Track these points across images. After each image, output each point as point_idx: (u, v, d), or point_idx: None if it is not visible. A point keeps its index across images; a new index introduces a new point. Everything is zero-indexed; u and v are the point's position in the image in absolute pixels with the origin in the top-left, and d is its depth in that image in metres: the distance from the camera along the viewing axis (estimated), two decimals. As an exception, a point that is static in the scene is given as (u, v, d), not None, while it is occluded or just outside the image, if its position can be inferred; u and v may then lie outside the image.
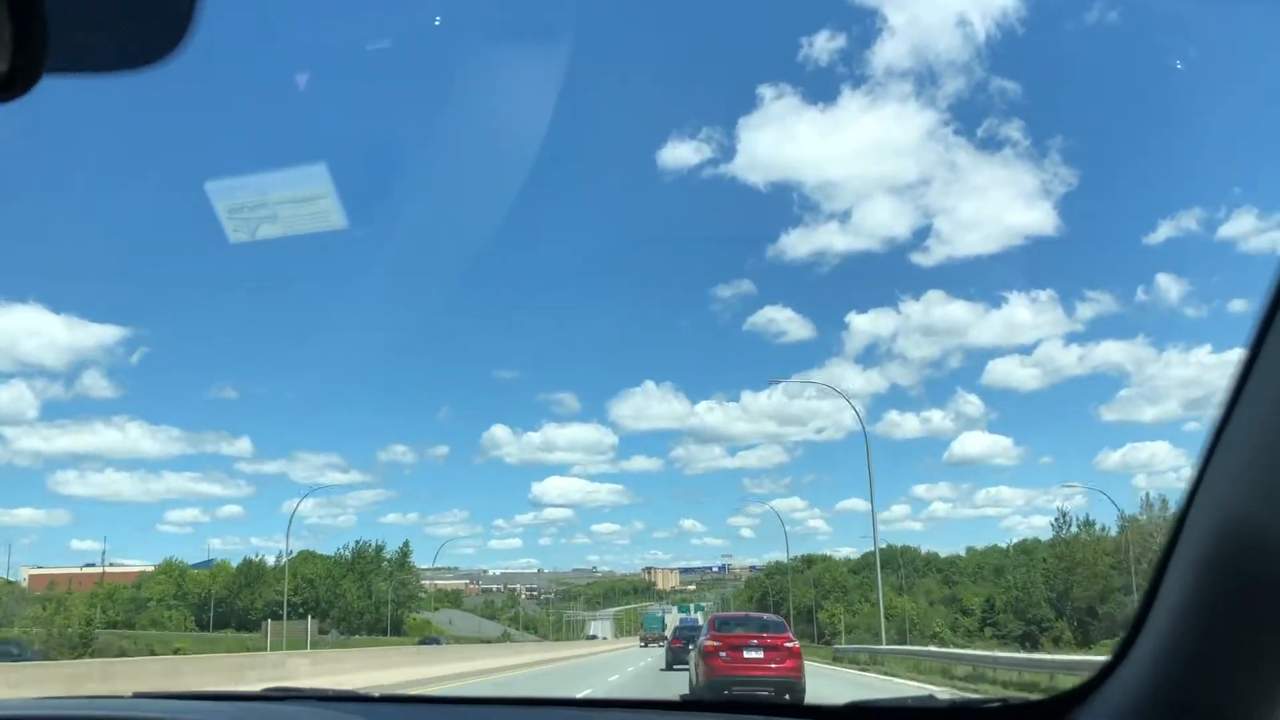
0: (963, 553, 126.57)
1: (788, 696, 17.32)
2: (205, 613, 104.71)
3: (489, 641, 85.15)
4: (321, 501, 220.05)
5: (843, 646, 69.39)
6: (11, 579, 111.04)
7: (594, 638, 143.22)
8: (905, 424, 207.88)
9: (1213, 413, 1.38)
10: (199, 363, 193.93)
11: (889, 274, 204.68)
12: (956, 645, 62.18)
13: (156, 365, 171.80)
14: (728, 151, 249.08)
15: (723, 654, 18.67)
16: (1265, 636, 1.34)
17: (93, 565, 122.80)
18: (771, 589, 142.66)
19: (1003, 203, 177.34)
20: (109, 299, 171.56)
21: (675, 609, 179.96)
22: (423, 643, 60.57)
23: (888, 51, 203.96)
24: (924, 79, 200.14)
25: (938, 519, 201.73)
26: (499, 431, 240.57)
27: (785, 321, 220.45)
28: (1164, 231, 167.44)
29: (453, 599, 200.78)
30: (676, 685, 22.31)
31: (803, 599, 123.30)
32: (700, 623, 34.81)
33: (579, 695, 6.60)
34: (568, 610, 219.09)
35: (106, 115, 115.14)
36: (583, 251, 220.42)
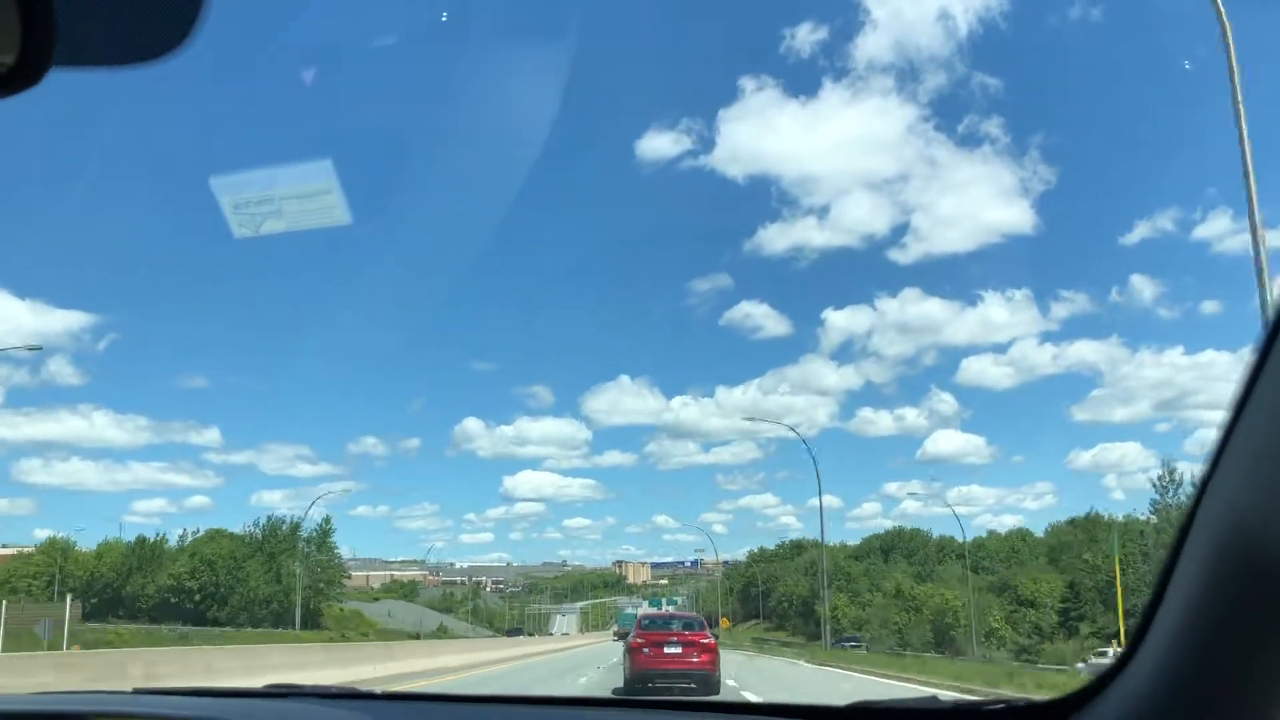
0: (982, 534, 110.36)
1: (703, 687, 19.35)
2: (89, 599, 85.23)
3: (415, 638, 70.75)
4: (290, 493, 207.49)
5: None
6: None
7: (552, 635, 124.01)
8: (879, 421, 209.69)
9: (1188, 413, 1.40)
10: (167, 351, 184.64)
11: (866, 271, 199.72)
12: (1022, 642, 45.15)
13: (124, 353, 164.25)
14: (707, 143, 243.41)
15: (646, 650, 20.24)
16: (1273, 638, 1.32)
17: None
18: (758, 577, 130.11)
19: (981, 200, 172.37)
20: (75, 285, 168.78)
21: (646, 603, 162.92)
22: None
23: (870, 45, 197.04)
24: (905, 74, 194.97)
25: (908, 516, 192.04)
26: (472, 424, 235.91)
27: (761, 317, 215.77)
28: (1140, 232, 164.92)
29: (407, 590, 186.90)
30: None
31: (795, 589, 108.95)
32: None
33: None
34: (529, 604, 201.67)
35: (99, 107, 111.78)
36: (560, 243, 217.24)
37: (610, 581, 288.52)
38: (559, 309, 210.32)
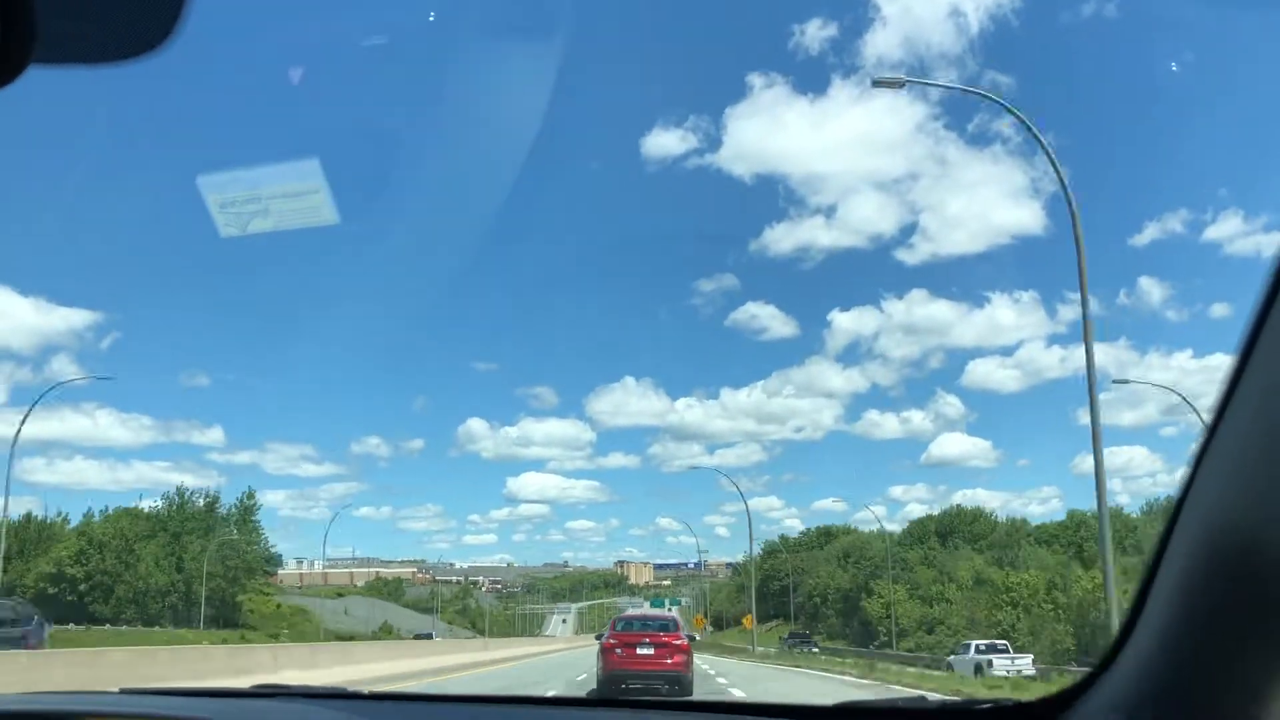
0: (1060, 516, 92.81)
1: (675, 688, 19.01)
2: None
3: (348, 639, 57.11)
4: (293, 493, 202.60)
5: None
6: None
7: (547, 636, 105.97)
8: (885, 424, 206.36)
9: (1194, 417, 1.43)
10: (171, 350, 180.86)
11: (873, 271, 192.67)
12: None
13: (127, 352, 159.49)
14: (713, 141, 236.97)
15: (618, 650, 19.81)
16: (1256, 638, 1.32)
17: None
18: (783, 569, 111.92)
19: (991, 200, 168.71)
20: (78, 283, 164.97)
21: (648, 603, 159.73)
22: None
23: (879, 42, 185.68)
24: (915, 71, 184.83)
25: (913, 520, 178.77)
26: (475, 425, 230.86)
27: (768, 318, 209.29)
28: (1150, 233, 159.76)
29: (392, 588, 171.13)
30: None
31: (831, 582, 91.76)
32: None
33: None
34: (521, 605, 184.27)
35: (90, 104, 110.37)
36: (565, 242, 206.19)
37: (612, 582, 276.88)
38: (563, 309, 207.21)
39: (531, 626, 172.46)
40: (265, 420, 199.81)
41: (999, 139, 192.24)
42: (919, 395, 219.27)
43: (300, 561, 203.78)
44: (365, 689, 2.97)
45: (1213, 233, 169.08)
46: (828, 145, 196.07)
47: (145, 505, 75.98)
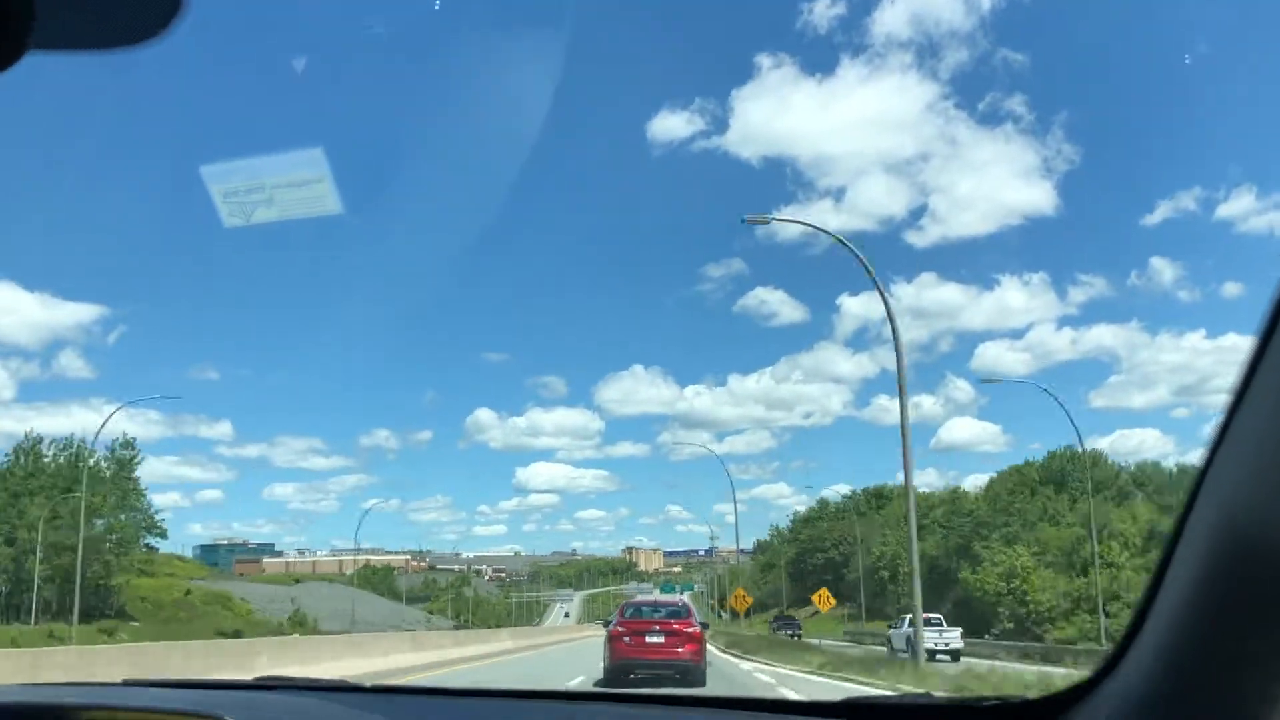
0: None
1: (687, 679, 17.41)
2: None
3: (227, 636, 45.50)
4: (303, 486, 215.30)
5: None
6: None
7: (542, 626, 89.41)
8: (894, 409, 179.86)
9: (1205, 399, 1.39)
10: (177, 344, 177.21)
11: (882, 255, 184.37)
12: None
13: (134, 345, 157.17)
14: (720, 124, 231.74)
15: (626, 639, 18.42)
16: (1267, 636, 1.28)
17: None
18: (818, 542, 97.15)
19: (1002, 180, 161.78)
20: (84, 278, 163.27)
21: (657, 590, 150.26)
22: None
23: (888, 19, 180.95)
24: (925, 49, 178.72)
25: (1000, 471, 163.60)
26: (484, 415, 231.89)
27: (777, 303, 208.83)
28: (1162, 212, 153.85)
29: (382, 576, 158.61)
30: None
31: (896, 554, 73.10)
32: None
33: None
34: (520, 593, 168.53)
35: (92, 95, 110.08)
36: (571, 229, 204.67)
37: (620, 569, 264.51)
38: (571, 297, 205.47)
39: (531, 616, 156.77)
40: (274, 413, 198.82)
41: (1010, 117, 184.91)
42: (929, 380, 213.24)
43: (302, 551, 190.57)
44: (367, 682, 2.93)
45: (1225, 210, 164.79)
46: (836, 126, 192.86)
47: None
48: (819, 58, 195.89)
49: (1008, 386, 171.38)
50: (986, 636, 48.91)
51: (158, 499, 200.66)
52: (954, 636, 37.91)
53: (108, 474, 58.00)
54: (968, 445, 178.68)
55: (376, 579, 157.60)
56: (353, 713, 2.27)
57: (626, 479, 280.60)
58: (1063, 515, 59.54)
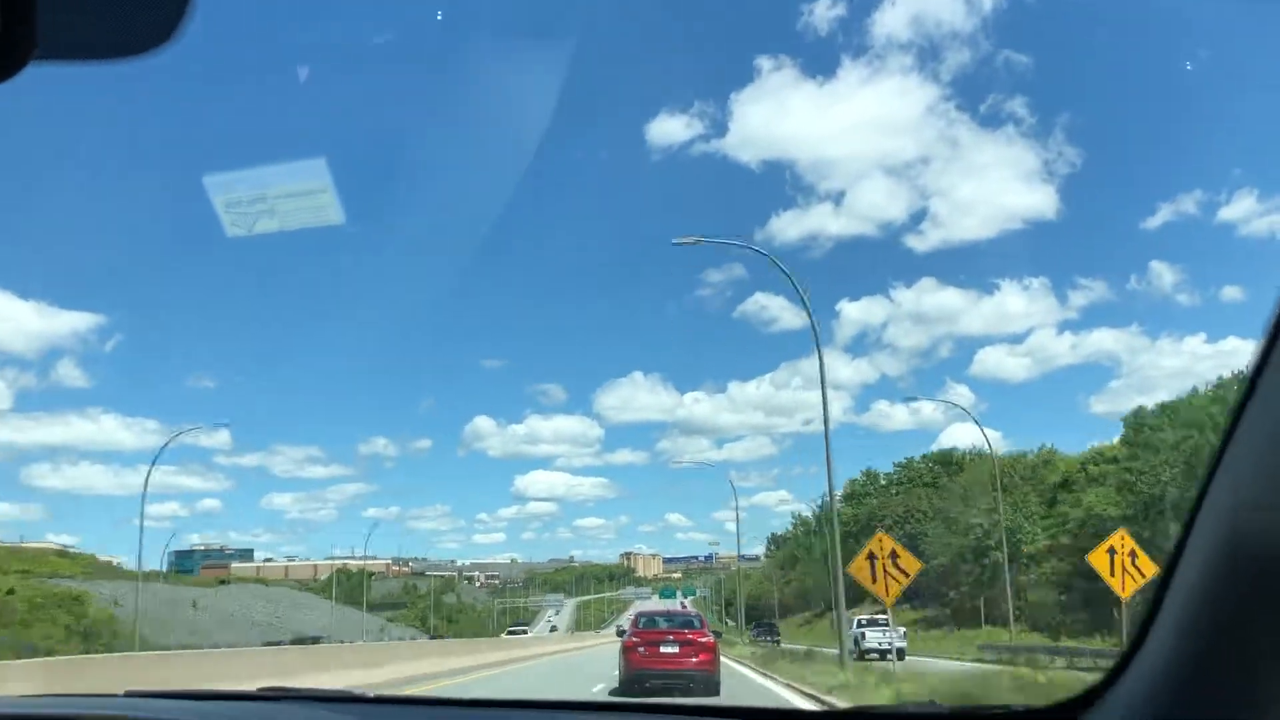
0: None
1: (702, 689, 17.11)
2: None
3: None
4: (301, 495, 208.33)
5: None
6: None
7: (521, 631, 75.86)
8: (894, 415, 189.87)
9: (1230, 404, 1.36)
10: (175, 352, 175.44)
11: (882, 259, 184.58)
12: None
13: (131, 354, 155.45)
14: (720, 127, 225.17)
15: (641, 649, 18.35)
16: (1275, 640, 1.27)
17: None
18: (864, 521, 75.67)
19: (1003, 184, 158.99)
20: (80, 286, 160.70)
21: (656, 595, 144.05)
22: None
23: (889, 20, 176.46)
24: (926, 51, 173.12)
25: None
26: (483, 423, 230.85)
27: (777, 309, 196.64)
28: (1163, 215, 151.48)
29: (354, 580, 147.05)
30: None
31: (1015, 524, 52.89)
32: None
33: None
34: (503, 600, 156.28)
35: (92, 102, 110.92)
36: (569, 235, 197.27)
37: (618, 575, 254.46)
38: (570, 303, 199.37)
39: (522, 622, 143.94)
40: (272, 422, 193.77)
41: (1012, 120, 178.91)
42: (928, 385, 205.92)
43: (290, 558, 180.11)
44: (371, 692, 2.89)
45: (1227, 214, 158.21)
46: (836, 129, 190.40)
47: None
48: (819, 60, 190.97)
49: (1007, 391, 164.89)
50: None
51: (156, 509, 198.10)
52: (897, 636, 36.95)
53: None
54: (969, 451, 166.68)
55: (352, 584, 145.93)
56: None
57: (626, 487, 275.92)
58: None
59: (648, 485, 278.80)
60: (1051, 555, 53.63)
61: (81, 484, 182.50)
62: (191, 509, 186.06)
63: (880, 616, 39.43)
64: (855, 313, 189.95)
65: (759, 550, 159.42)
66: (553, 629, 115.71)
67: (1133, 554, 20.22)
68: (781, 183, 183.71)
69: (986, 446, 50.05)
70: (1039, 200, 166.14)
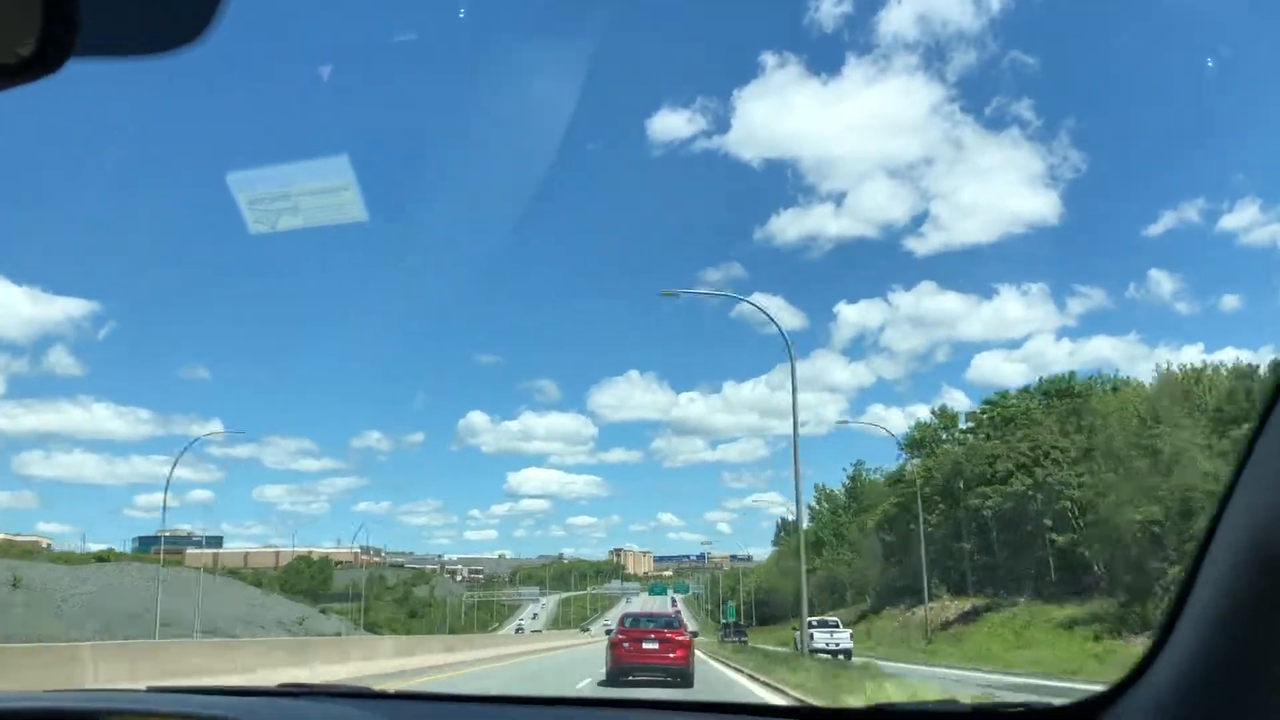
0: None
1: (679, 680, 19.53)
2: None
3: None
4: (293, 488, 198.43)
5: None
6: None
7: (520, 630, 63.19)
8: (890, 419, 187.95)
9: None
10: (168, 341, 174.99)
11: (882, 262, 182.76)
12: None
13: (124, 343, 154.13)
14: (722, 123, 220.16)
15: (626, 645, 20.32)
16: None
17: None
18: (947, 473, 57.59)
19: (1006, 187, 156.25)
20: (74, 272, 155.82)
21: (645, 592, 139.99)
22: None
23: (895, 19, 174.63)
24: (932, 50, 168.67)
25: None
26: (476, 418, 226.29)
27: (775, 310, 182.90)
28: (1165, 222, 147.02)
29: (319, 568, 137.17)
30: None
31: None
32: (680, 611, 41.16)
33: None
34: (473, 593, 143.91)
35: (102, 97, 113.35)
36: (571, 232, 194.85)
37: (606, 572, 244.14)
38: (568, 299, 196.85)
39: (497, 618, 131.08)
40: (265, 414, 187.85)
41: (1017, 122, 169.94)
42: (925, 389, 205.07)
43: (270, 545, 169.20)
44: (390, 688, 2.91)
45: (1229, 222, 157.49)
46: (840, 128, 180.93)
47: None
48: (825, 57, 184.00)
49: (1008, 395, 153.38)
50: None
51: (146, 499, 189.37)
52: (844, 638, 40.76)
53: None
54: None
55: (312, 573, 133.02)
56: (373, 718, 2.29)
57: (619, 485, 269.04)
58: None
59: (641, 484, 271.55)
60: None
61: (74, 472, 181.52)
62: (183, 500, 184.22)
63: (830, 619, 44.75)
64: (853, 315, 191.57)
65: (752, 550, 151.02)
66: (519, 629, 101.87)
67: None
68: (783, 182, 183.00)
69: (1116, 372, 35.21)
70: (1042, 205, 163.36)
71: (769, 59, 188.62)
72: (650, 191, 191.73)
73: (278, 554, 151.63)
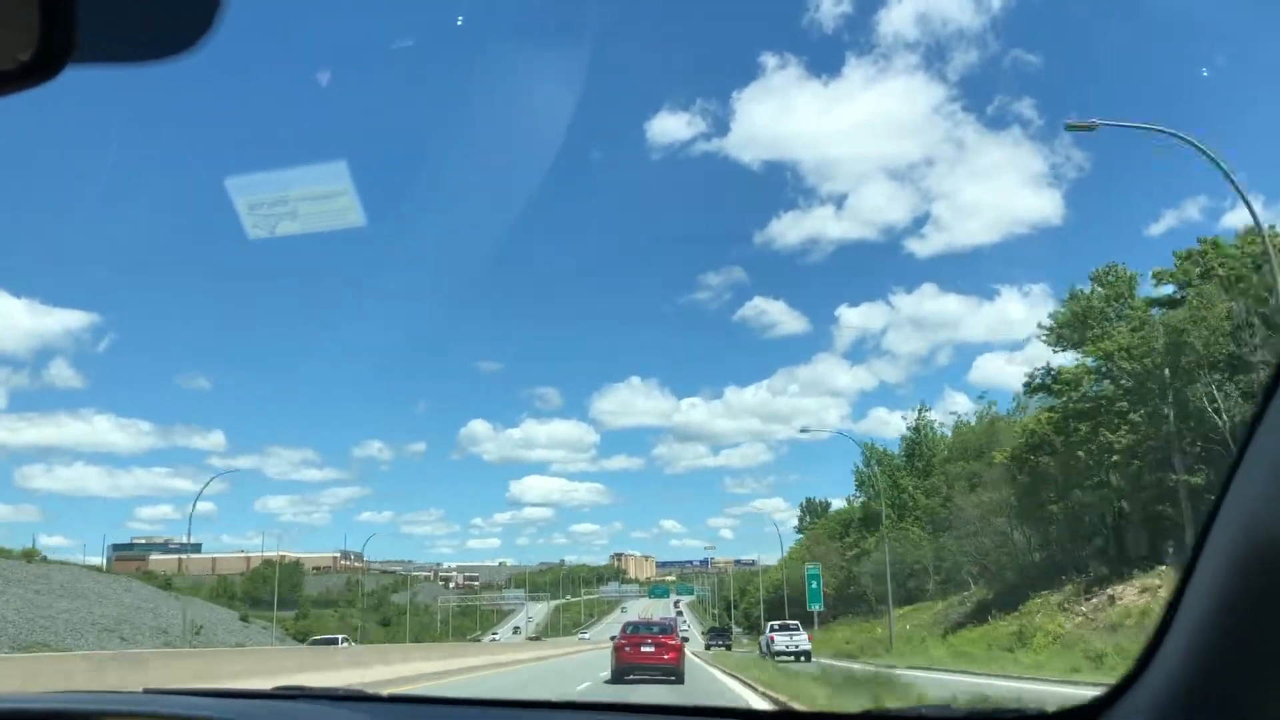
0: None
1: (672, 678, 22.73)
2: None
3: None
4: (295, 499, 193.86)
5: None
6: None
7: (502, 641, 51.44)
8: (892, 423, 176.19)
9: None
10: (169, 352, 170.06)
11: (883, 264, 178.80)
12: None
13: (124, 354, 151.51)
14: (722, 125, 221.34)
15: (627, 649, 24.01)
16: None
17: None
18: (1128, 364, 35.56)
19: (1008, 188, 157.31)
20: (74, 283, 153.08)
21: (645, 596, 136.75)
22: None
23: (895, 18, 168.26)
24: (933, 49, 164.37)
25: None
26: (478, 427, 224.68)
27: (777, 313, 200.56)
28: (1167, 222, 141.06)
29: (287, 572, 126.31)
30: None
31: None
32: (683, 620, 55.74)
33: None
34: (445, 597, 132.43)
35: (99, 105, 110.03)
36: (571, 237, 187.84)
37: (607, 576, 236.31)
38: (569, 305, 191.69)
39: (482, 625, 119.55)
40: (266, 424, 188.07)
41: (1018, 121, 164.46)
42: (927, 393, 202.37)
43: (243, 550, 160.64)
44: (385, 690, 2.87)
45: (1231, 220, 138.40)
46: (840, 129, 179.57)
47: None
48: (825, 58, 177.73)
49: (1006, 398, 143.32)
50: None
51: (148, 511, 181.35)
52: (803, 639, 42.45)
53: None
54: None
55: (280, 578, 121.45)
56: None
57: (621, 492, 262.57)
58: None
59: (643, 491, 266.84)
60: None
61: (76, 485, 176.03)
62: (184, 512, 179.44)
63: (791, 623, 46.81)
64: (855, 318, 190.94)
65: (755, 555, 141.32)
66: (493, 638, 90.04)
67: None
68: (783, 184, 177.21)
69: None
70: (1044, 204, 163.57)
71: (769, 60, 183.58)
72: (650, 195, 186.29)
73: (248, 559, 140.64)
